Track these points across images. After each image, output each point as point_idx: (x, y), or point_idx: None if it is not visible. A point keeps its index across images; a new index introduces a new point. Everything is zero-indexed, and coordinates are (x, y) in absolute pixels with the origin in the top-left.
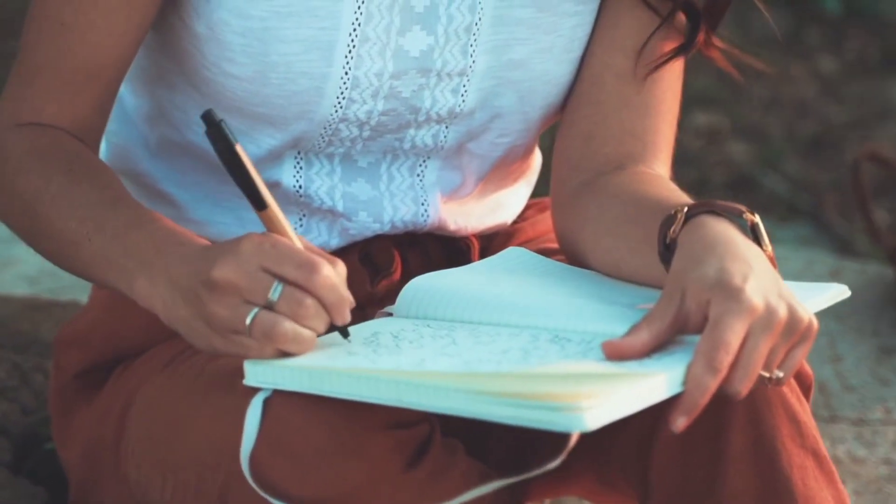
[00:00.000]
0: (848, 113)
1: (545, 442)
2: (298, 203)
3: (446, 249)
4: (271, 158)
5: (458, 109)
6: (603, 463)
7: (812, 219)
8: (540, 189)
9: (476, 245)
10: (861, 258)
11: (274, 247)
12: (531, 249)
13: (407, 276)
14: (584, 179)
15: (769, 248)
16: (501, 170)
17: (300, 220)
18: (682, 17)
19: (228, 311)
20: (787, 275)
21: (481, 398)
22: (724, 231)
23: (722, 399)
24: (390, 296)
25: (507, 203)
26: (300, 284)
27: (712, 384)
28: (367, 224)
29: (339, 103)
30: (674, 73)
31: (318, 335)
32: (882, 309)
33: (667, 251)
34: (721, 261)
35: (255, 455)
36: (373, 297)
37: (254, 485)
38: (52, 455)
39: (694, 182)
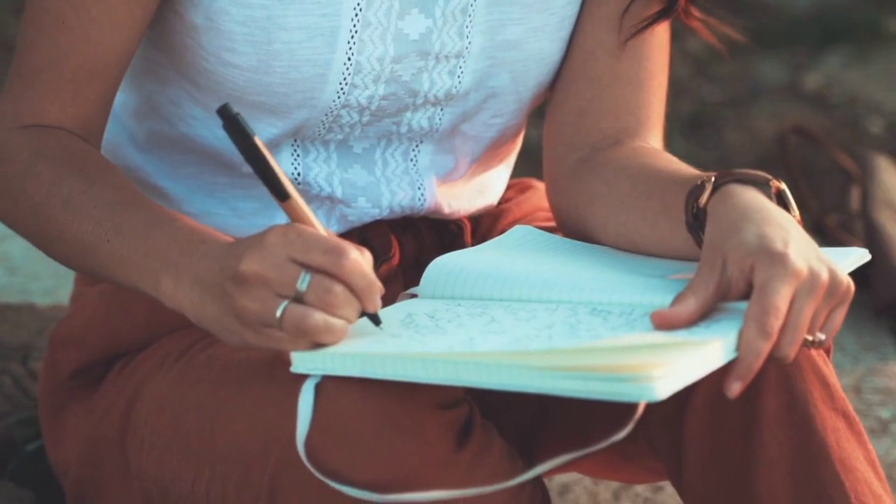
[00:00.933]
0: (721, 92)
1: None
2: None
3: (438, 233)
4: (270, 147)
5: (454, 91)
6: (626, 436)
7: None
8: (517, 170)
9: (468, 227)
10: None
11: (300, 236)
12: None
13: (404, 261)
14: (581, 156)
15: (797, 213)
16: (492, 151)
17: None
18: None
19: (258, 304)
20: None
21: (546, 373)
22: (755, 198)
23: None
24: (390, 281)
25: (491, 185)
26: (328, 270)
27: (765, 348)
28: (365, 210)
29: (342, 89)
30: (662, 48)
31: (350, 323)
32: None
33: (695, 221)
34: (759, 227)
35: (310, 440)
36: None
37: (313, 470)
38: (34, 456)
39: None
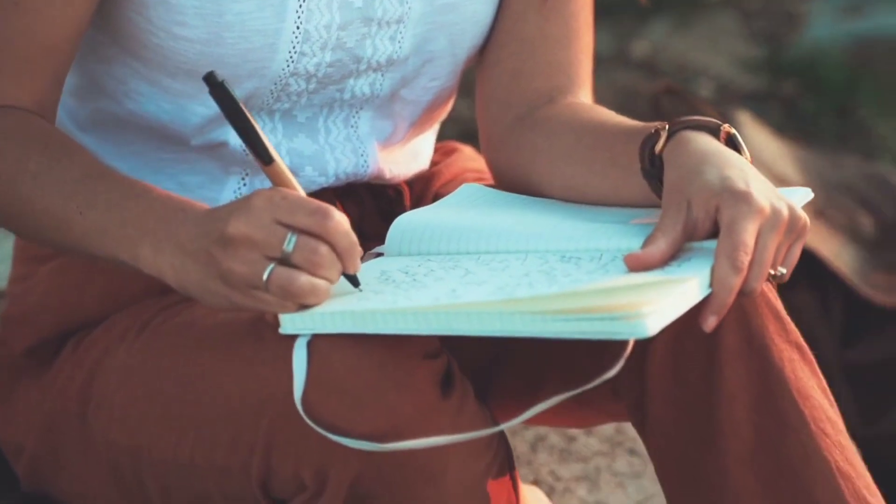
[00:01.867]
0: None
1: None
2: (243, 163)
3: (377, 198)
4: (218, 119)
5: (395, 56)
6: (579, 378)
7: None
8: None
9: (407, 191)
10: None
11: (285, 199)
12: (453, 188)
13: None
14: (518, 114)
15: (748, 154)
16: (428, 115)
17: (242, 179)
18: None
19: (246, 266)
20: None
21: (539, 318)
22: (709, 143)
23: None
24: None
25: (423, 149)
26: (314, 231)
27: (737, 282)
28: (312, 178)
29: (291, 58)
30: (586, 7)
31: (332, 284)
32: None
33: (652, 168)
34: (720, 169)
35: (307, 397)
36: None
37: (313, 425)
38: None
39: None
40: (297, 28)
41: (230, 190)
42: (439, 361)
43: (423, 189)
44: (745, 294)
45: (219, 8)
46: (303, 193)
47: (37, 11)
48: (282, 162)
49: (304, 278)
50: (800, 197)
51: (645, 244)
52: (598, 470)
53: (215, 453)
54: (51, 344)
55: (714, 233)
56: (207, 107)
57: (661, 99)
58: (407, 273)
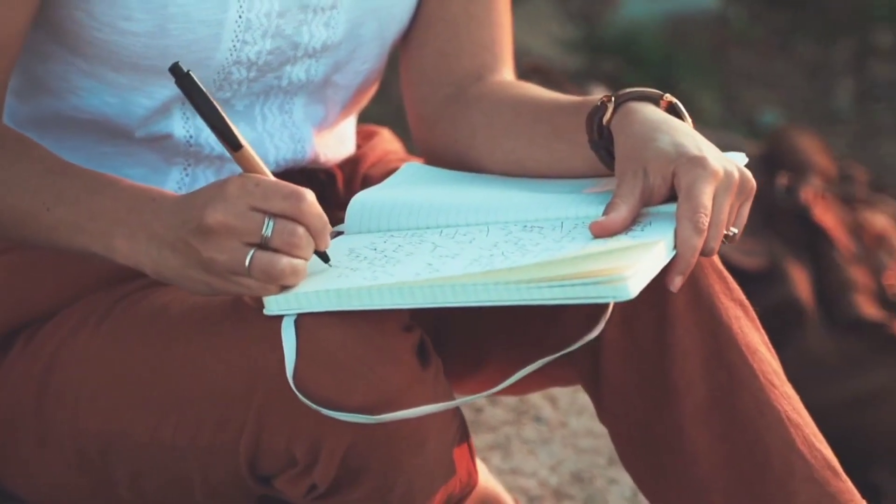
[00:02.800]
0: None
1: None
2: (186, 153)
3: (310, 183)
4: (163, 111)
5: (329, 42)
6: (526, 346)
7: None
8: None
9: (340, 175)
10: None
11: (258, 185)
12: (380, 170)
13: None
14: (448, 94)
15: (690, 121)
16: (356, 98)
17: (185, 170)
18: None
19: (227, 254)
20: None
21: (524, 287)
22: (656, 112)
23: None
24: None
25: (347, 133)
26: (289, 215)
27: (699, 243)
28: None
29: (234, 46)
30: None
31: (307, 262)
32: None
33: (600, 139)
34: (671, 136)
35: (298, 373)
36: None
37: (306, 401)
38: None
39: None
40: (240, 17)
41: (173, 181)
42: (415, 334)
43: (352, 172)
44: (704, 254)
45: (163, 0)
46: (272, 177)
47: None
48: (250, 147)
49: (284, 260)
50: (740, 160)
51: (606, 211)
52: (509, 438)
53: (201, 433)
54: (0, 340)
55: (669, 198)
56: (152, 98)
57: (529, 77)
58: (375, 249)
